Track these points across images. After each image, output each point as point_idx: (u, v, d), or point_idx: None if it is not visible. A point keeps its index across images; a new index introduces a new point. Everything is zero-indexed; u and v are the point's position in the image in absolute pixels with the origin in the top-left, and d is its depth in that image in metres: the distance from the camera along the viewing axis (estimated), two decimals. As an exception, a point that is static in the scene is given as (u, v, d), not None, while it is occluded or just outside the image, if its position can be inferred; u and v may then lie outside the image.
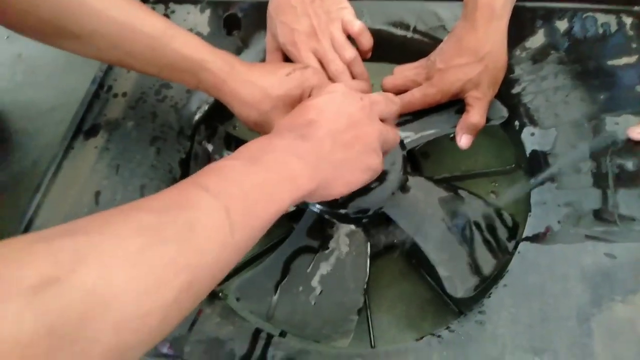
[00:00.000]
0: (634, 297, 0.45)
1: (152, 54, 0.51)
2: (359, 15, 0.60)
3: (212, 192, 0.33)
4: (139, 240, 0.28)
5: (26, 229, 0.55)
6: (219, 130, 0.61)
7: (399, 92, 0.60)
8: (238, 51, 0.68)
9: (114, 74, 0.66)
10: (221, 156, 0.59)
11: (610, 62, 0.58)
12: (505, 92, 0.59)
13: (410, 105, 0.58)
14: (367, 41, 0.60)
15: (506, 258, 0.50)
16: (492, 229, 0.51)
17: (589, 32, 0.60)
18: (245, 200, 0.34)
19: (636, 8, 0.60)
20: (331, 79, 0.58)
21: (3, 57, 0.78)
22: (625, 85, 0.56)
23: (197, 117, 0.64)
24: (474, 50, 0.54)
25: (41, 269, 0.24)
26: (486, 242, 0.50)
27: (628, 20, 0.60)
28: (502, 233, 0.51)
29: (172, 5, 0.72)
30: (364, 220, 0.53)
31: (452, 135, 0.57)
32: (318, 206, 0.52)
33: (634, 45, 0.58)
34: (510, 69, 0.58)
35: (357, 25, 0.60)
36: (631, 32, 0.59)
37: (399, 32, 0.66)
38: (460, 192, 0.54)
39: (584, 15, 0.61)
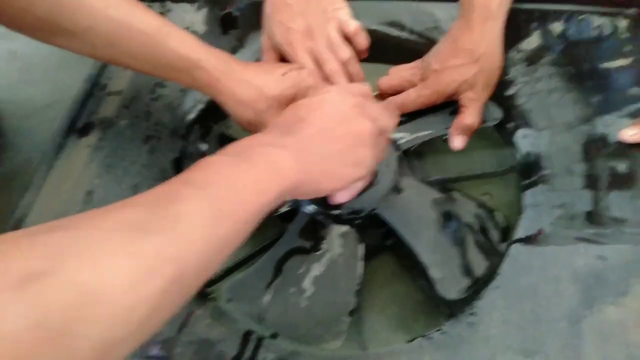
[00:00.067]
0: (624, 299, 0.45)
1: (146, 52, 0.51)
2: (354, 15, 0.60)
3: (198, 186, 0.33)
4: (126, 233, 0.28)
5: (17, 227, 0.55)
6: (213, 130, 0.61)
7: (394, 92, 0.60)
8: (234, 50, 0.68)
9: (108, 73, 0.66)
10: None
11: (604, 65, 0.58)
12: (500, 94, 0.59)
13: (405, 106, 0.59)
14: (363, 41, 0.60)
15: (498, 260, 0.49)
16: (484, 231, 0.51)
17: (584, 34, 0.60)
18: (230, 192, 0.34)
19: (630, 11, 0.60)
20: (327, 78, 0.58)
21: (-3, 55, 0.78)
22: (619, 88, 0.56)
23: (191, 116, 0.63)
24: (470, 51, 0.54)
25: (28, 263, 0.24)
26: (478, 243, 0.50)
27: (622, 23, 0.60)
28: (495, 235, 0.51)
29: (168, 4, 0.72)
30: (356, 222, 0.52)
31: (446, 136, 0.57)
32: (311, 207, 0.52)
33: (628, 48, 0.58)
34: (504, 70, 0.58)
35: (353, 25, 0.60)
36: (625, 35, 0.59)
37: (395, 32, 0.66)
38: (453, 193, 0.54)
39: (579, 18, 0.61)
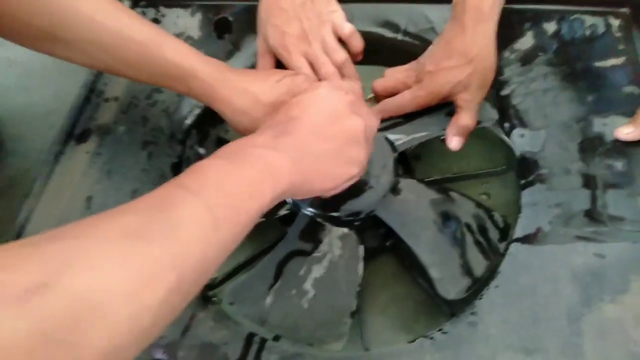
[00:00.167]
0: (623, 297, 0.45)
1: (143, 61, 0.51)
2: (349, 18, 0.61)
3: (193, 191, 0.33)
4: (125, 241, 0.28)
5: (19, 234, 0.55)
6: (210, 134, 0.61)
7: (389, 94, 0.60)
8: (229, 55, 0.68)
9: (105, 79, 0.66)
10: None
11: (598, 64, 0.58)
12: (495, 94, 0.59)
13: (401, 108, 0.59)
14: (357, 44, 0.60)
15: (497, 259, 0.50)
16: (483, 231, 0.52)
17: (577, 34, 0.61)
18: (226, 197, 0.34)
19: (623, 10, 0.61)
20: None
21: (-5, 62, 0.78)
22: (613, 86, 0.57)
23: (188, 121, 0.64)
24: (463, 52, 0.54)
25: (31, 274, 0.24)
26: (477, 243, 0.51)
27: (615, 22, 0.60)
28: (493, 234, 0.52)
29: (162, 9, 0.72)
30: (356, 223, 0.53)
31: (443, 137, 0.57)
32: (310, 209, 0.52)
33: (621, 47, 0.59)
34: (499, 71, 0.59)
35: (347, 28, 0.60)
36: (618, 34, 0.60)
37: (389, 34, 0.67)
38: (452, 194, 0.54)
39: (572, 17, 0.61)
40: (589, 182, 0.52)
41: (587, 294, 0.46)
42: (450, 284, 0.49)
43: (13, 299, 0.23)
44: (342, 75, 0.59)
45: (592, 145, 0.54)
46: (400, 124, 0.59)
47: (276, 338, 0.49)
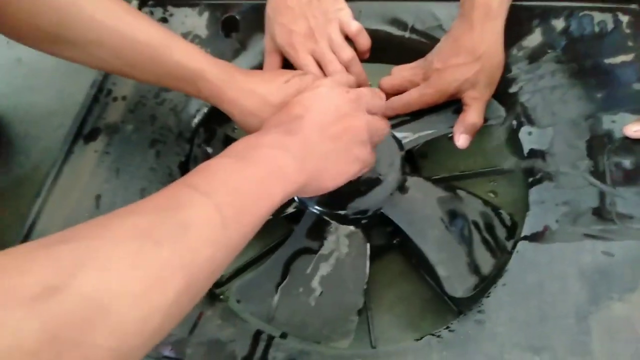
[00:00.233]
0: (631, 295, 0.45)
1: (151, 63, 0.51)
2: (356, 15, 0.61)
3: (203, 191, 0.33)
4: (135, 243, 0.28)
5: (28, 233, 0.55)
6: (218, 132, 0.61)
7: (396, 92, 0.60)
8: (236, 53, 0.68)
9: (113, 78, 0.67)
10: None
11: (607, 61, 0.58)
12: (503, 92, 0.59)
13: (408, 106, 0.59)
14: (364, 42, 0.60)
15: (505, 257, 0.50)
16: (490, 229, 0.51)
17: (586, 30, 0.60)
18: (235, 197, 0.35)
19: (632, 6, 0.60)
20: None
21: (3, 62, 0.78)
22: (622, 84, 0.56)
23: (196, 120, 0.64)
24: (471, 49, 0.54)
25: (42, 277, 0.25)
26: (485, 241, 0.51)
27: (624, 19, 0.60)
28: (501, 232, 0.51)
29: (170, 8, 0.72)
30: (363, 221, 0.53)
31: (450, 135, 0.57)
32: (317, 207, 0.52)
33: (631, 43, 0.58)
34: (507, 68, 0.59)
35: (354, 26, 0.60)
36: (627, 30, 0.59)
37: (397, 32, 0.67)
38: (459, 192, 0.54)
39: (581, 14, 0.61)
40: (597, 179, 0.51)
41: (595, 293, 0.45)
42: (457, 282, 0.49)
43: (25, 301, 0.24)
44: (349, 73, 0.59)
45: (600, 143, 0.53)
46: (407, 122, 0.59)
47: (283, 336, 0.49)
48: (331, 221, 0.53)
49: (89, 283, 0.26)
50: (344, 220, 0.53)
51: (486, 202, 0.53)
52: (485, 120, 0.57)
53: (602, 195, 0.50)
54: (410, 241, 0.51)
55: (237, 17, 0.70)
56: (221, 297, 0.55)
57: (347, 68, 0.59)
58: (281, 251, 0.53)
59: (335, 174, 0.44)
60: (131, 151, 0.60)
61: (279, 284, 0.51)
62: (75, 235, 0.28)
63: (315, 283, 0.51)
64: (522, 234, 0.50)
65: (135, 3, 0.73)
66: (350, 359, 0.46)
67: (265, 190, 0.37)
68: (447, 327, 0.47)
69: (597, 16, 0.61)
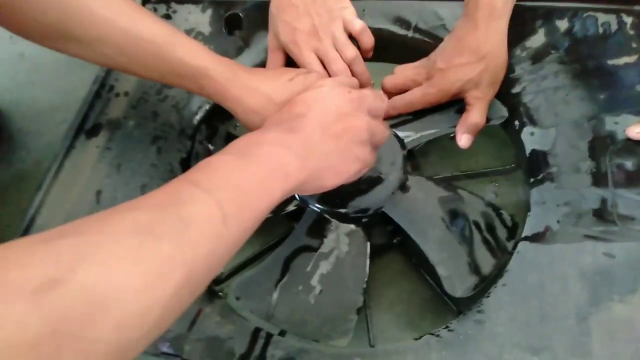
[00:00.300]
0: (632, 297, 0.45)
1: (155, 60, 0.51)
2: (359, 14, 0.61)
3: (204, 187, 0.33)
4: (136, 238, 0.29)
5: (28, 228, 0.55)
6: (219, 130, 0.61)
7: (399, 91, 0.60)
8: (239, 51, 0.68)
9: (115, 74, 0.67)
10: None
11: (610, 62, 0.58)
12: (505, 92, 0.59)
13: (410, 105, 0.59)
14: (368, 40, 0.60)
15: (505, 258, 0.50)
16: (491, 229, 0.51)
17: (589, 31, 0.60)
18: (236, 193, 0.35)
19: (636, 7, 0.60)
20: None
21: (6, 56, 0.78)
22: (625, 85, 0.56)
23: (198, 116, 0.64)
24: (475, 49, 0.54)
25: (43, 271, 0.25)
26: (485, 241, 0.51)
27: (628, 20, 0.59)
28: (502, 233, 0.51)
29: (173, 5, 0.72)
30: (363, 220, 0.53)
31: (452, 134, 0.57)
32: (318, 205, 0.52)
33: (634, 45, 0.58)
34: (510, 68, 0.58)
35: (358, 25, 0.60)
36: (631, 32, 0.59)
37: (400, 31, 0.66)
38: (460, 191, 0.54)
39: (585, 15, 0.61)
40: (599, 181, 0.51)
41: (596, 294, 0.45)
42: (457, 282, 0.49)
43: (25, 295, 0.24)
44: (352, 71, 0.59)
45: (603, 144, 0.53)
46: (409, 121, 0.59)
47: (282, 333, 0.49)
48: (332, 219, 0.53)
49: (90, 277, 0.26)
50: (344, 219, 0.53)
51: (487, 202, 0.53)
52: (488, 120, 0.57)
53: (603, 197, 0.50)
54: (411, 240, 0.51)
55: (241, 14, 0.70)
56: (220, 294, 0.55)
57: (351, 66, 0.59)
58: (281, 249, 0.53)
59: (336, 172, 0.44)
60: (133, 147, 0.60)
61: (278, 282, 0.51)
62: (75, 230, 0.28)
63: (314, 281, 0.51)
64: (523, 235, 0.50)
65: (138, 0, 0.73)
66: (349, 357, 0.46)
67: (266, 188, 0.37)
68: (447, 327, 0.47)
69: (601, 17, 0.61)
